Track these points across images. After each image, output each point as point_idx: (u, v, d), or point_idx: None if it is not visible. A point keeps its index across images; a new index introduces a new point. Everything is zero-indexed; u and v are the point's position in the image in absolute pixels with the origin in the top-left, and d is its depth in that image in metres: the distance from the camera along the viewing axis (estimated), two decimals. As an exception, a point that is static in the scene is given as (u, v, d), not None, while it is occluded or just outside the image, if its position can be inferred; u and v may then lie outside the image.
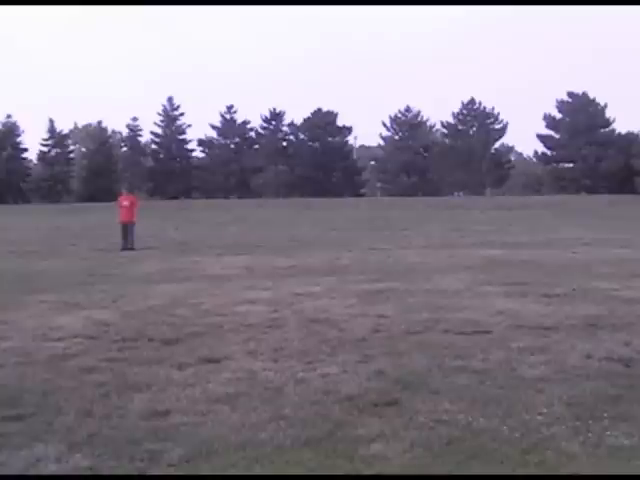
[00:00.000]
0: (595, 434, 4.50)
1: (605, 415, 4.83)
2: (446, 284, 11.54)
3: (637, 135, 73.68)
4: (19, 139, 76.08)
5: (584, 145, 72.08)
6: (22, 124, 77.46)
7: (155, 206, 55.55)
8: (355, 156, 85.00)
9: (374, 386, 5.64)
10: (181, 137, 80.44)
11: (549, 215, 37.13)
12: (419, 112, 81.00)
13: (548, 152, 77.44)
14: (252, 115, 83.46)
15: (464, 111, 79.02)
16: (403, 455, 4.24)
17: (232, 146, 79.94)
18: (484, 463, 4.09)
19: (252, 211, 45.79)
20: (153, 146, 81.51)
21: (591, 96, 75.24)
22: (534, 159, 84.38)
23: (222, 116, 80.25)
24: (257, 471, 4.06)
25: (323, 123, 78.90)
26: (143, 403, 5.33)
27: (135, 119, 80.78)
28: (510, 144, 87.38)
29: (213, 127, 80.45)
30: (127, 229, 21.73)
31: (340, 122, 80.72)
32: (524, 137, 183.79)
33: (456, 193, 78.27)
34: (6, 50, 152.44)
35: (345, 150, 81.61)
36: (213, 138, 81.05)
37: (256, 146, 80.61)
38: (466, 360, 6.40)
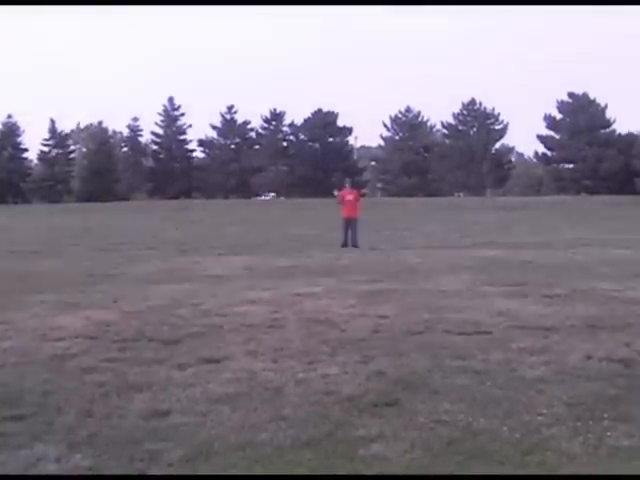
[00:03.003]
0: (595, 435, 4.50)
1: (605, 416, 4.83)
2: (446, 284, 11.55)
3: (637, 136, 73.57)
4: (20, 139, 76.06)
5: (584, 146, 72.05)
6: (22, 124, 77.58)
7: (155, 206, 55.65)
8: (355, 156, 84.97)
9: (374, 386, 5.64)
10: (181, 137, 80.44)
11: (549, 216, 37.14)
12: (419, 112, 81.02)
13: (548, 153, 77.39)
14: (252, 115, 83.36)
15: (464, 111, 78.96)
16: (403, 455, 4.24)
17: (232, 146, 79.93)
18: (484, 464, 4.09)
19: (252, 211, 45.79)
20: (153, 146, 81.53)
21: (591, 96, 75.20)
22: (534, 160, 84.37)
23: (222, 116, 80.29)
24: (257, 471, 4.06)
25: (323, 123, 78.88)
26: (143, 403, 5.33)
27: (136, 119, 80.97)
28: (510, 145, 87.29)
29: (213, 127, 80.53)
30: (351, 224, 21.03)
31: (340, 122, 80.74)
32: (524, 138, 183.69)
33: (456, 194, 78.25)
34: (7, 50, 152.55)
35: (345, 150, 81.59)
36: (213, 138, 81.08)
37: (256, 146, 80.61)
38: (466, 360, 6.40)
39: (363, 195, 22.48)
